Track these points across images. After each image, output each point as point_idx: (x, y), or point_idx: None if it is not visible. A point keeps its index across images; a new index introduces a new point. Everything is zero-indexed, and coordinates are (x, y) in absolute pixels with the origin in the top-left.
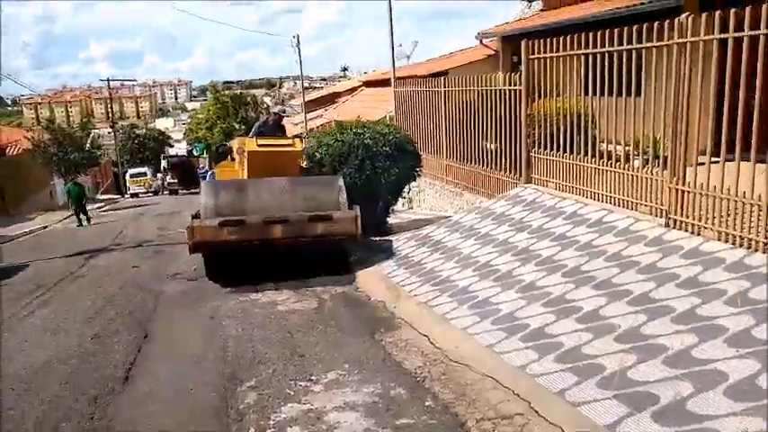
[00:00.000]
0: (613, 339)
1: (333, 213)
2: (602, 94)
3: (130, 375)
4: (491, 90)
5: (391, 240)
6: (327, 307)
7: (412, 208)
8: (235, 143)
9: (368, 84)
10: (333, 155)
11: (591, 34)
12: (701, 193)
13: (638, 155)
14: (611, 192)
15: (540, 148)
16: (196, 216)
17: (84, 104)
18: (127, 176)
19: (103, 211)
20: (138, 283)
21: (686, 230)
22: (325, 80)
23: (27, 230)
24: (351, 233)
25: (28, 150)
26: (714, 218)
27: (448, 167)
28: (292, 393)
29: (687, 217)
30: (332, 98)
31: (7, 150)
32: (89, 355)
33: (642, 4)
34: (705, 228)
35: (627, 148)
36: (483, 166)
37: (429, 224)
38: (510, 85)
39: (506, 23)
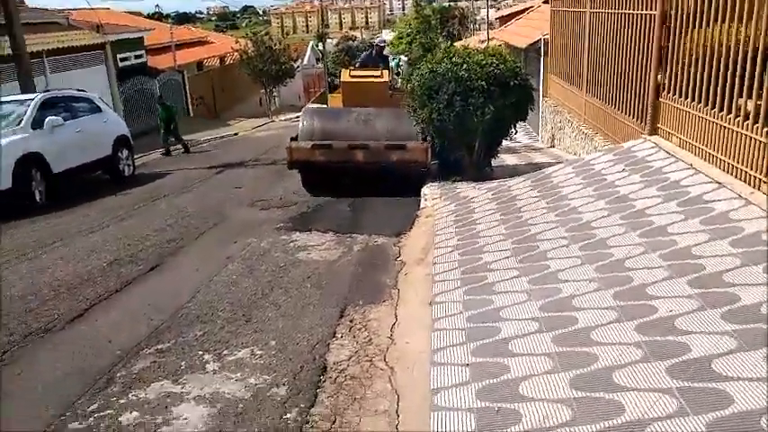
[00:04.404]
0: (570, 381)
1: (407, 143)
2: None
3: (86, 314)
4: (628, 14)
5: (475, 188)
6: (342, 262)
7: (553, 146)
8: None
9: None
10: (423, 86)
11: None
12: None
13: None
14: (734, 160)
15: (672, 93)
16: (294, 138)
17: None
18: None
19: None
20: (219, 206)
21: None
22: None
23: (216, 136)
24: (422, 162)
25: (240, 60)
26: None
27: (586, 104)
28: (182, 368)
29: None
30: (520, 14)
31: (225, 59)
32: (80, 284)
33: None
34: None
35: None
36: (613, 106)
37: (529, 173)
38: (643, 9)
39: None
